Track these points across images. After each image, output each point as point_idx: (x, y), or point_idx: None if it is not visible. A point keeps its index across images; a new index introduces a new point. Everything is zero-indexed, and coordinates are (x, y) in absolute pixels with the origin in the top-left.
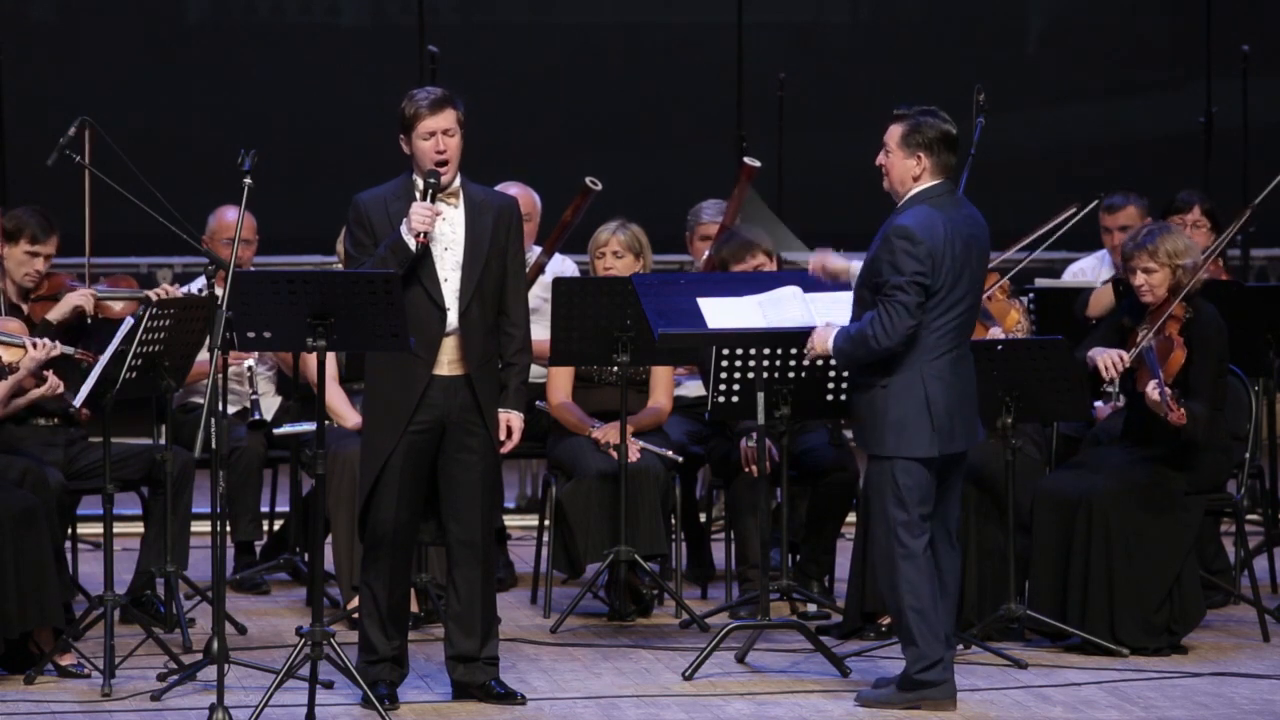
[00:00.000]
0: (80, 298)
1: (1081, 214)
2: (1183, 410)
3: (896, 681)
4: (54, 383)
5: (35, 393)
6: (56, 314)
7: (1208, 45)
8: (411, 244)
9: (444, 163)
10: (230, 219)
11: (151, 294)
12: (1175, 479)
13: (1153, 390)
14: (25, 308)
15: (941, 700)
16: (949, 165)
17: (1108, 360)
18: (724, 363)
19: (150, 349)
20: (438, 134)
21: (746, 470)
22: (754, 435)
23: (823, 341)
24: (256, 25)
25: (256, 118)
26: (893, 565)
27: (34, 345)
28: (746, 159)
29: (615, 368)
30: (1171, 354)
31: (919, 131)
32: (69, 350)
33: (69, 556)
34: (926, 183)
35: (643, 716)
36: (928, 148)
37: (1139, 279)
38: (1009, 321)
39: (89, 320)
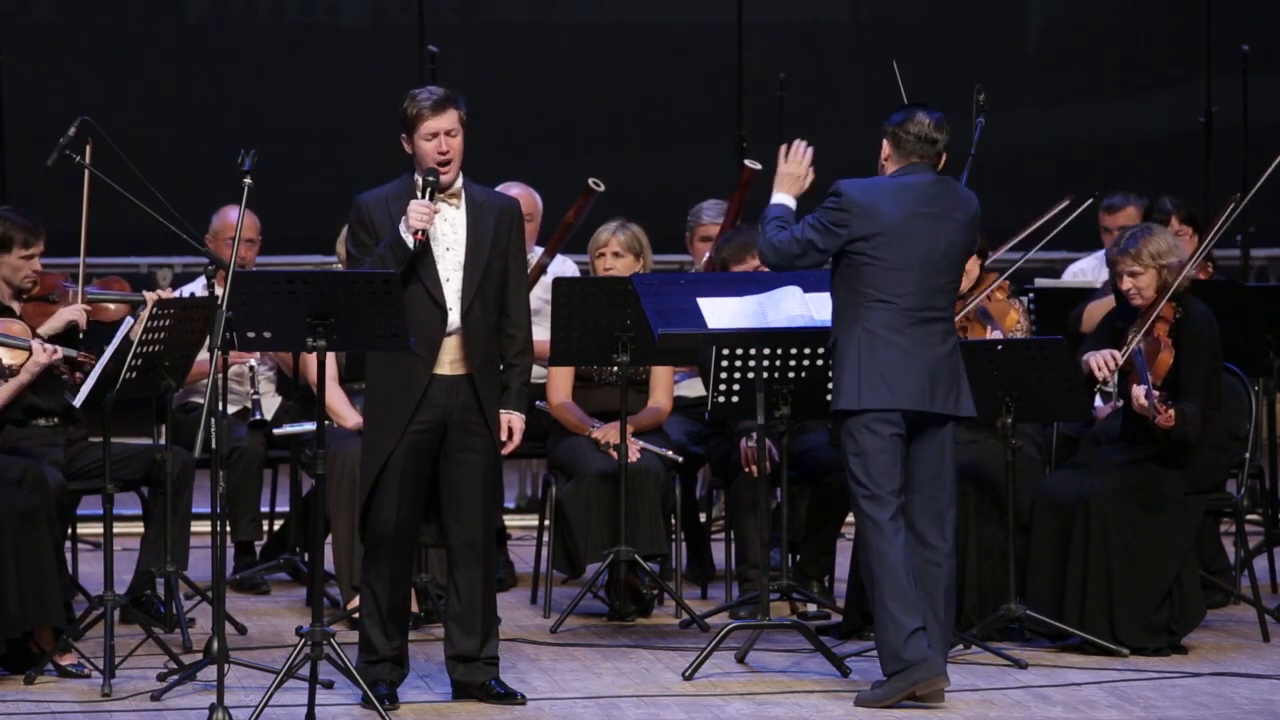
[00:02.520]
0: (73, 312)
1: (1076, 212)
2: (1171, 411)
3: (884, 671)
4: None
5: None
6: (49, 327)
7: (1208, 45)
8: (410, 241)
9: (446, 163)
10: (233, 219)
11: (148, 295)
12: (1175, 479)
13: (1140, 396)
14: (17, 308)
15: (931, 678)
16: (909, 156)
17: (1099, 361)
18: (724, 363)
19: (150, 349)
20: (440, 134)
21: (746, 470)
22: (754, 435)
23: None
24: (256, 25)
25: (256, 118)
26: (861, 539)
27: (43, 350)
28: (747, 161)
29: (615, 368)
30: (1159, 355)
31: (895, 122)
32: (72, 353)
33: (69, 556)
34: (891, 170)
35: (643, 716)
36: (893, 137)
37: (1126, 283)
38: (1009, 322)
39: (80, 333)
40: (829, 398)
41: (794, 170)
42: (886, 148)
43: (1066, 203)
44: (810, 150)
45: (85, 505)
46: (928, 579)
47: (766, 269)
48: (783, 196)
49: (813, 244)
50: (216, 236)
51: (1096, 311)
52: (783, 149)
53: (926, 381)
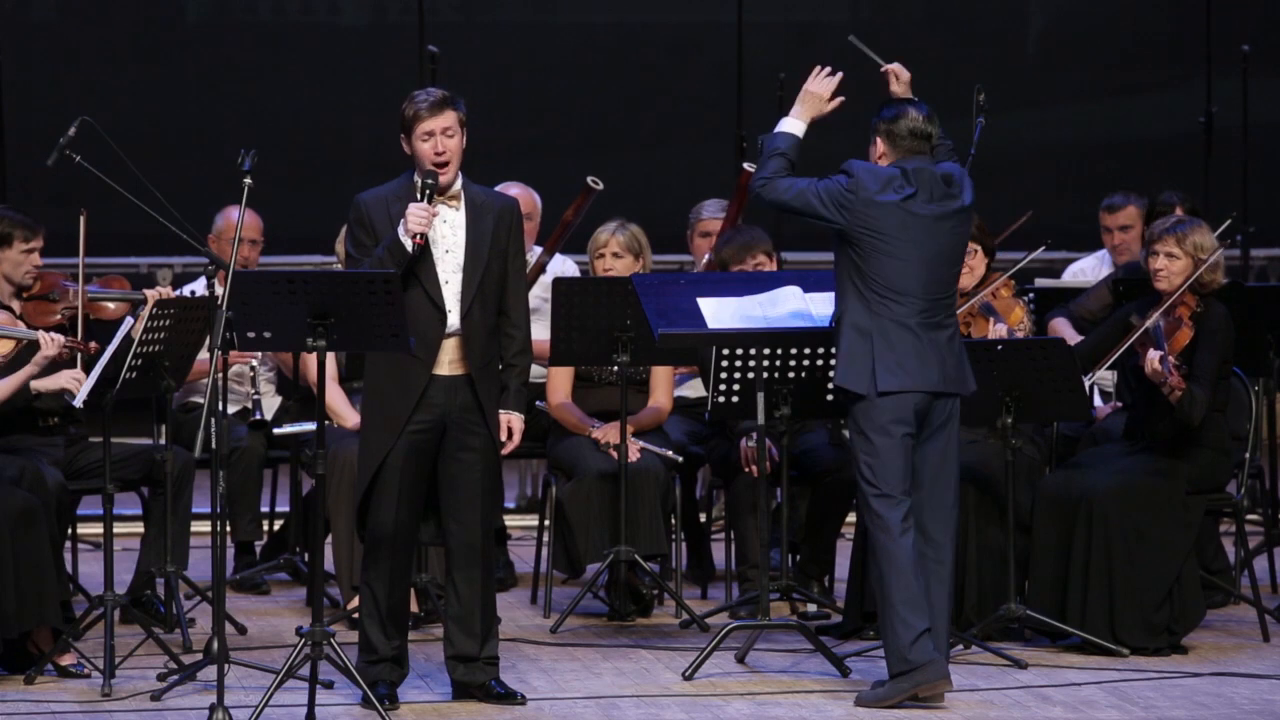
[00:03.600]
0: (67, 380)
1: (1035, 253)
2: (1180, 379)
3: (889, 672)
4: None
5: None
6: (46, 384)
7: (1208, 45)
8: (408, 245)
9: (443, 164)
10: (236, 218)
11: (148, 294)
12: (1175, 479)
13: (1155, 360)
14: (17, 306)
15: (934, 681)
16: (906, 150)
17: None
18: (724, 363)
19: (150, 349)
20: (436, 135)
21: (746, 470)
22: (754, 435)
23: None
24: (256, 25)
25: (256, 118)
26: (870, 539)
27: (49, 342)
28: (746, 165)
29: (615, 368)
30: (1179, 331)
31: (880, 119)
32: (58, 338)
33: (69, 556)
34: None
35: (643, 716)
36: (886, 135)
37: (1159, 262)
38: (1013, 319)
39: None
40: (829, 397)
41: (819, 89)
42: (880, 145)
43: (1042, 248)
44: (838, 76)
45: (85, 505)
46: (930, 575)
47: (767, 269)
48: (794, 123)
49: (813, 209)
50: (220, 236)
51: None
52: (815, 70)
53: (938, 366)
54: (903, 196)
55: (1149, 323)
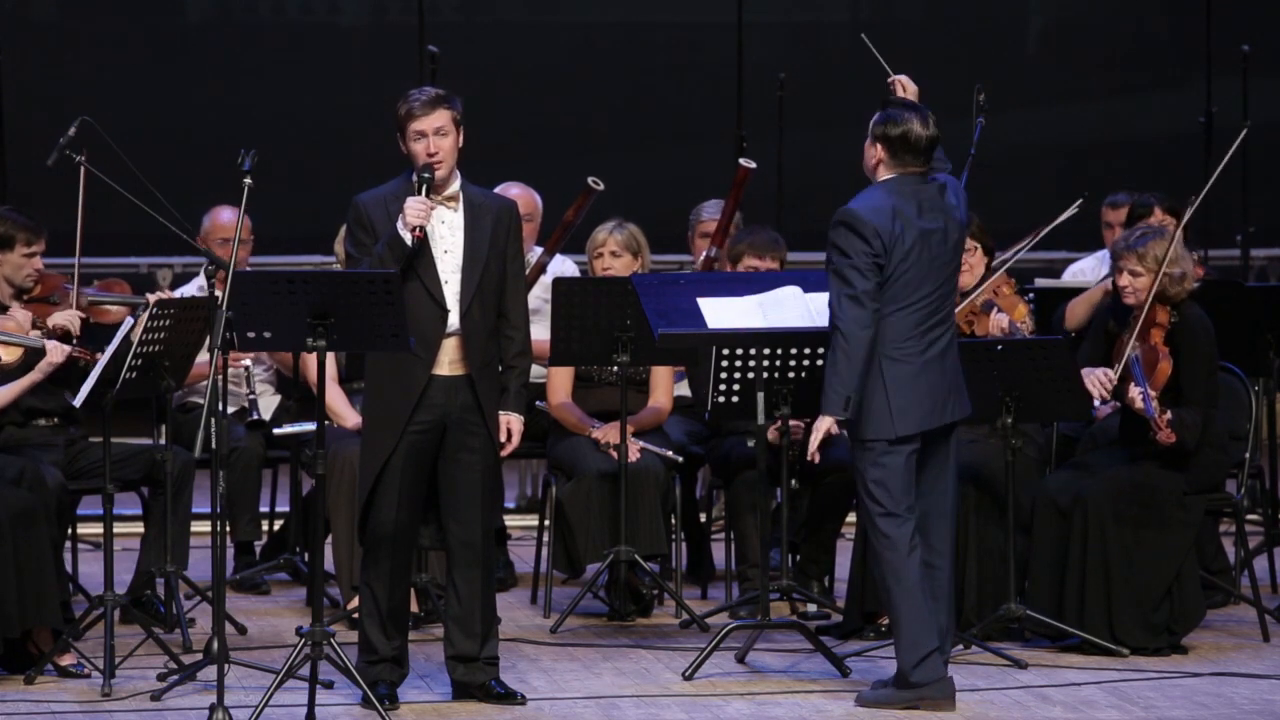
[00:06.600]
0: (66, 317)
1: (1070, 210)
2: (1170, 430)
3: (893, 680)
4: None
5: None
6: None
7: (1208, 45)
8: (407, 239)
9: (437, 163)
10: (224, 219)
11: (150, 297)
12: (1174, 479)
13: (1137, 399)
14: (18, 308)
15: (940, 700)
16: (906, 164)
17: (1095, 380)
18: (724, 363)
19: (150, 349)
20: (429, 134)
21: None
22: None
23: (826, 419)
24: (256, 25)
25: (256, 117)
26: (877, 557)
27: (59, 350)
28: (742, 161)
29: (615, 368)
30: (1158, 365)
31: (882, 123)
32: (64, 347)
33: (69, 556)
34: (885, 175)
35: (643, 716)
36: (884, 140)
37: (1124, 279)
38: (1017, 315)
39: (73, 338)
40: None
41: None
42: (878, 151)
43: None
44: None
45: (85, 505)
46: (931, 582)
47: (775, 270)
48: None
49: (868, 294)
50: (208, 236)
51: (1078, 308)
52: None
53: (941, 397)
54: (902, 218)
55: (1127, 356)
